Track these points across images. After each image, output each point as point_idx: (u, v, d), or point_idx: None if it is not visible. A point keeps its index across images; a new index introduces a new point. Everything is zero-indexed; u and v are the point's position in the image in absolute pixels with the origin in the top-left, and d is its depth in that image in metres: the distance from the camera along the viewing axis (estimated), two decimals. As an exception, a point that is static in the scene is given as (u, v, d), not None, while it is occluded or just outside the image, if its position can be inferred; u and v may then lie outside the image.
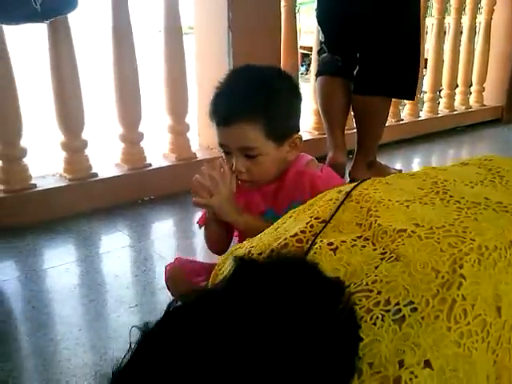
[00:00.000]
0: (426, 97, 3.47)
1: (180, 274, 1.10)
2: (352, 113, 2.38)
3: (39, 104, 2.67)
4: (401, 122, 3.17)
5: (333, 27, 2.26)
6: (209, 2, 2.20)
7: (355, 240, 0.60)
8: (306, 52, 5.70)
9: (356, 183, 0.72)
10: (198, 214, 1.95)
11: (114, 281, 1.40)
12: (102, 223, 1.80)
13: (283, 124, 0.99)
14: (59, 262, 1.52)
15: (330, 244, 0.59)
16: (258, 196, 1.07)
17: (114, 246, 1.63)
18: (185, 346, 0.44)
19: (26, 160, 1.80)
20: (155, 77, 2.33)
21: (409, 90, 2.28)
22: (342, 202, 0.67)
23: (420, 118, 3.35)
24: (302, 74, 4.77)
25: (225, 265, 0.67)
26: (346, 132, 2.44)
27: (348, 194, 0.68)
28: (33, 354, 1.12)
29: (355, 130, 2.38)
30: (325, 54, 2.32)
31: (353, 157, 2.38)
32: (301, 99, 1.05)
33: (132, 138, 2.03)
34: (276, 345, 0.44)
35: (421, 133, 3.28)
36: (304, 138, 2.81)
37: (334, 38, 2.28)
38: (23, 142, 1.77)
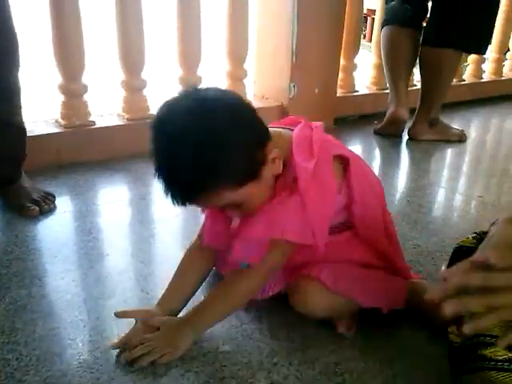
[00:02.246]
0: (491, 58, 3.28)
1: None
2: (418, 66, 2.27)
3: (100, 43, 2.65)
4: (462, 83, 3.02)
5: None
6: None
7: None
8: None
9: None
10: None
11: (174, 218, 1.39)
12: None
13: (244, 168, 0.81)
14: (119, 198, 1.53)
15: None
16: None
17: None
18: None
19: (86, 97, 1.79)
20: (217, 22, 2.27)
21: (481, 43, 2.14)
22: None
23: (482, 80, 3.18)
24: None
25: None
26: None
27: None
28: (96, 282, 1.12)
29: (417, 87, 2.27)
30: (393, 2, 2.19)
31: (414, 115, 2.28)
32: (251, 125, 0.83)
33: (190, 81, 1.99)
34: None
35: (483, 95, 3.11)
36: (361, 93, 2.73)
37: (404, -16, 2.15)
38: (85, 79, 1.76)
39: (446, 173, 1.95)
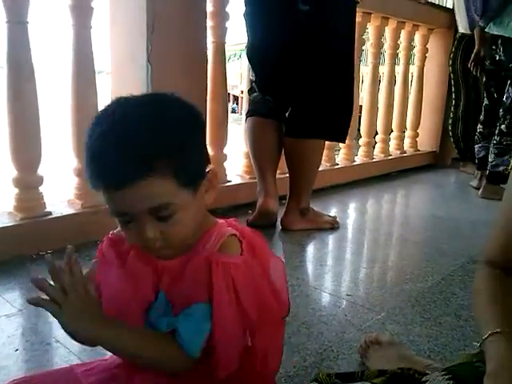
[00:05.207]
0: (361, 141, 3.40)
1: None
2: (284, 156, 2.22)
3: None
4: (336, 167, 3.06)
5: (264, 66, 2.12)
6: (127, 33, 2.00)
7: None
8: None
9: None
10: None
11: None
12: (-18, 285, 1.49)
13: (194, 164, 0.75)
14: None
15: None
16: (148, 275, 0.78)
17: (-12, 315, 1.32)
18: None
19: None
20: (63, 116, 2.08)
21: (340, 132, 2.15)
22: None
23: (355, 163, 3.26)
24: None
25: None
26: (278, 177, 2.28)
27: None
28: None
29: (287, 175, 2.22)
30: (255, 94, 2.16)
31: (285, 203, 2.21)
32: (204, 128, 0.86)
33: (28, 183, 1.75)
34: None
35: (356, 178, 3.18)
36: (234, 183, 2.62)
37: (265, 77, 2.14)
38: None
39: (315, 268, 1.84)
